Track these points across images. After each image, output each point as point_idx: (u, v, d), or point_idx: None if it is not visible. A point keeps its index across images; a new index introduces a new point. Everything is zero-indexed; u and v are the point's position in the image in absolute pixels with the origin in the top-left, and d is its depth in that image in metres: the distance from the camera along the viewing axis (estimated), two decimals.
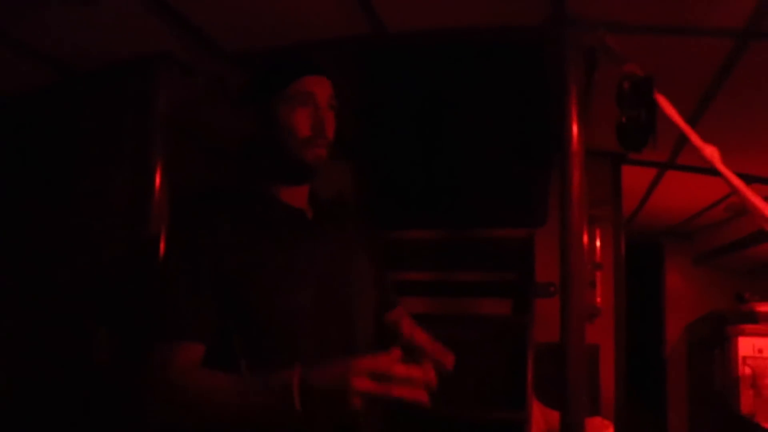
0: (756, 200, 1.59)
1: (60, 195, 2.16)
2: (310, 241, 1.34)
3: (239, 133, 1.39)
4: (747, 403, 3.77)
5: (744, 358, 3.86)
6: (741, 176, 3.00)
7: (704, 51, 1.83)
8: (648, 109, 1.64)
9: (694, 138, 1.61)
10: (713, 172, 1.65)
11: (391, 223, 2.68)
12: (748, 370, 3.81)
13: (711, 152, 1.62)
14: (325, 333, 1.29)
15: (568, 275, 1.71)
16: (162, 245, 1.87)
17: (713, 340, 4.40)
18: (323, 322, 1.29)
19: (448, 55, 2.10)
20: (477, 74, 2.20)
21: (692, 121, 2.27)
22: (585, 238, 1.77)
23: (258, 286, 1.24)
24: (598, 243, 2.82)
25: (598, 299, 2.80)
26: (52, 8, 1.71)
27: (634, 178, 3.26)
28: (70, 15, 1.75)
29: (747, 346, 3.90)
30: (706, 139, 1.64)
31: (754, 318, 4.03)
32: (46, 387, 2.05)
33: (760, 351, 3.86)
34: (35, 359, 2.10)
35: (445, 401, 2.67)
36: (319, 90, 1.33)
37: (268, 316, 1.24)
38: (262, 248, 1.27)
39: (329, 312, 1.31)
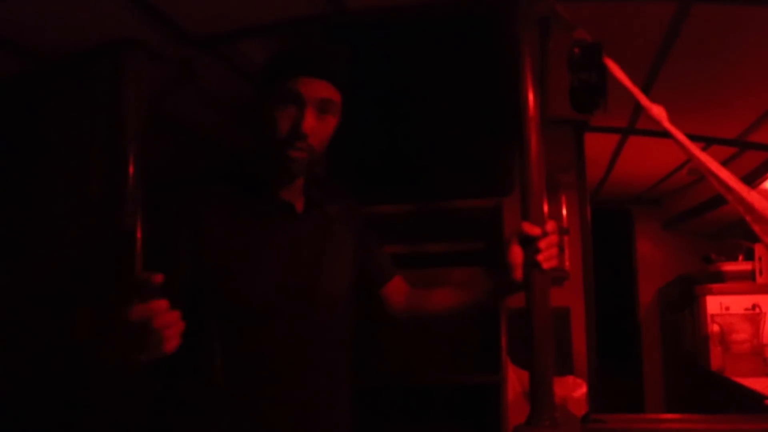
0: (702, 156, 1.67)
1: (31, 185, 2.17)
2: (292, 232, 1.39)
3: (207, 117, 1.44)
4: (716, 359, 3.92)
5: (712, 316, 4.01)
6: (701, 137, 3.11)
7: (650, 15, 1.90)
8: (598, 72, 1.72)
9: (642, 98, 1.68)
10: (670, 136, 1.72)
11: (361, 199, 2.74)
12: (716, 328, 3.95)
13: (658, 112, 1.69)
14: (297, 318, 1.35)
15: None
16: (137, 230, 1.90)
17: (683, 301, 4.55)
18: (296, 308, 1.35)
19: (409, 31, 2.16)
20: (437, 49, 2.26)
21: (647, 85, 2.35)
22: (546, 204, 1.82)
23: (234, 272, 1.29)
24: (564, 209, 2.91)
25: (567, 263, 2.88)
26: None
27: (599, 145, 3.34)
28: (35, 2, 1.77)
29: (715, 304, 4.05)
30: (663, 102, 1.71)
31: (720, 277, 4.18)
32: (34, 378, 2.08)
33: (728, 308, 4.00)
34: (19, 352, 2.13)
35: (422, 368, 2.78)
36: (308, 91, 1.30)
37: (241, 302, 1.30)
38: (241, 237, 1.32)
39: (302, 298, 1.36)
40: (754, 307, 3.97)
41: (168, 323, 1.05)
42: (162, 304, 1.04)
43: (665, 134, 1.68)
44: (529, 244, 1.49)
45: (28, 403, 2.06)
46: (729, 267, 4.19)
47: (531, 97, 1.82)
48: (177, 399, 1.35)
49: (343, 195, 1.60)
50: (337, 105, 1.37)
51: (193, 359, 1.30)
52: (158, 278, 1.03)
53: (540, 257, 1.47)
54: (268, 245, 1.34)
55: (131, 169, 2.06)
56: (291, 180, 1.39)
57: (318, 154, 1.36)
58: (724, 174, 1.63)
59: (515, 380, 2.67)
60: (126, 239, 1.43)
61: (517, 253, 1.50)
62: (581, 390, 2.62)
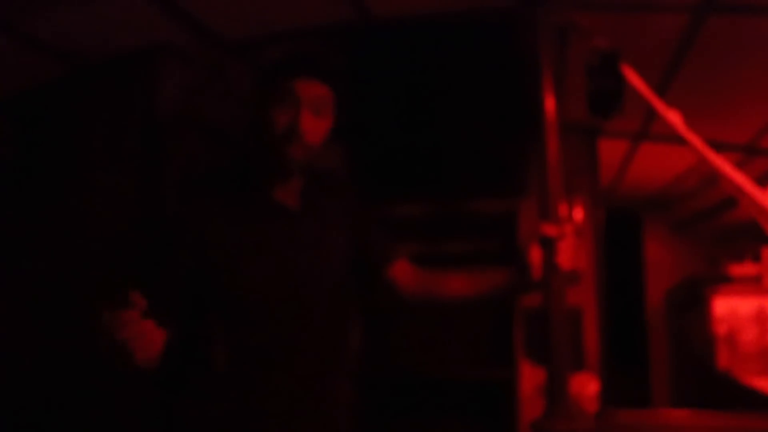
0: (716, 160, 1.74)
1: (68, 186, 2.25)
2: (286, 230, 1.45)
3: (238, 120, 1.50)
4: (723, 359, 3.97)
5: (719, 317, 4.07)
6: (710, 143, 3.18)
7: (665, 25, 1.98)
8: (615, 79, 1.79)
9: (658, 104, 1.75)
10: (683, 141, 1.78)
11: (379, 199, 2.82)
12: (723, 329, 4.01)
13: (673, 117, 1.77)
14: (291, 310, 1.43)
15: None
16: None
17: (690, 302, 4.60)
18: (290, 302, 1.43)
19: (431, 37, 2.23)
20: (458, 54, 2.34)
21: (660, 92, 2.40)
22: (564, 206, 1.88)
23: (233, 270, 1.38)
24: (577, 212, 2.97)
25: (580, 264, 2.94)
26: (59, 2, 1.82)
27: (611, 150, 3.41)
28: (76, 8, 1.86)
29: (722, 306, 4.11)
30: (674, 108, 1.78)
31: (728, 280, 4.24)
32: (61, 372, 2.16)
33: (735, 310, 4.06)
34: (51, 347, 2.19)
35: (437, 362, 2.84)
36: (305, 92, 1.36)
37: (239, 296, 1.39)
38: (240, 237, 1.40)
39: (296, 293, 1.43)
40: (761, 309, 4.03)
41: (136, 334, 1.08)
42: (130, 315, 1.08)
43: (677, 139, 1.75)
44: (548, 245, 1.55)
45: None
46: (737, 270, 4.24)
47: (550, 103, 1.89)
48: (179, 382, 1.45)
49: (341, 187, 1.64)
50: (331, 105, 1.43)
51: (195, 346, 1.42)
52: (138, 299, 1.09)
53: (559, 258, 1.54)
54: (265, 244, 1.42)
55: (163, 170, 2.14)
56: (287, 179, 1.45)
57: (315, 151, 1.42)
58: (739, 177, 1.69)
59: (528, 375, 2.74)
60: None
61: (536, 254, 1.57)
62: (594, 386, 2.68)
